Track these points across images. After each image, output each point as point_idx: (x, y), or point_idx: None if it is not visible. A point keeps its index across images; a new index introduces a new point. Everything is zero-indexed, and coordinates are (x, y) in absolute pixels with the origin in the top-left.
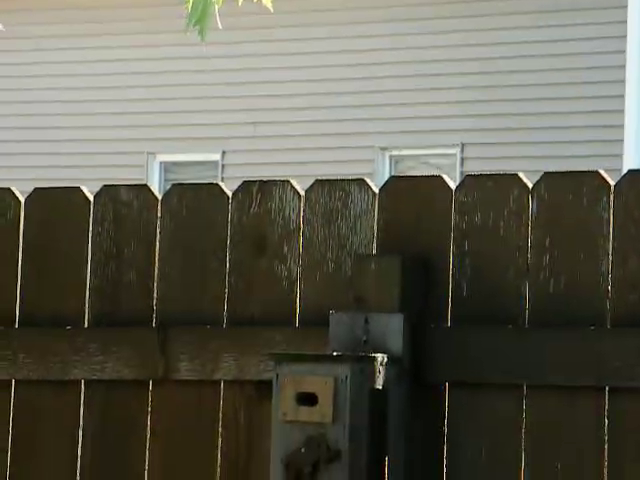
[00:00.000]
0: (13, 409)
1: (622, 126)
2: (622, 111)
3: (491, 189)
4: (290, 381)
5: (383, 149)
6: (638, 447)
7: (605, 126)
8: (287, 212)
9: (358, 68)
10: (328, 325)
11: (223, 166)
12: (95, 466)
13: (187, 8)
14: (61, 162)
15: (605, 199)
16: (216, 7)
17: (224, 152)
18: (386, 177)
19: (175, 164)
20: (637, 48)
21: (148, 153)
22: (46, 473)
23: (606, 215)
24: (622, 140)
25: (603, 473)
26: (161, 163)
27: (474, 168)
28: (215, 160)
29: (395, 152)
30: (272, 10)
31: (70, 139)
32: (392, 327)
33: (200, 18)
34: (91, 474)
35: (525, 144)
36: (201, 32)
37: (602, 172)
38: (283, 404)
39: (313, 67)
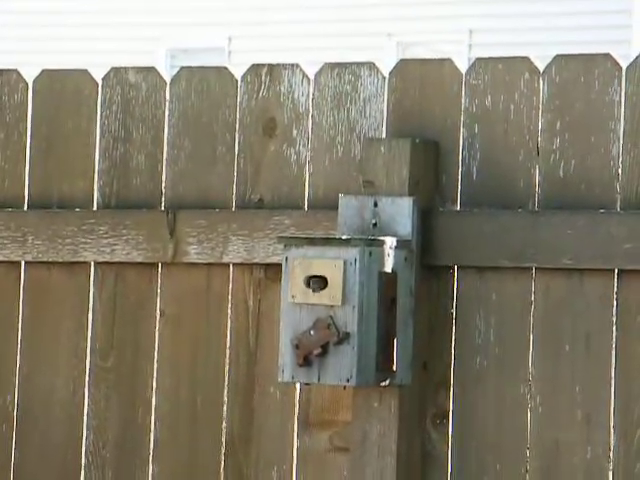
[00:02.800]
0: (23, 290)
1: (631, 11)
2: None
3: (501, 72)
4: (299, 264)
5: (390, 35)
6: None
7: (615, 11)
8: (296, 95)
9: None
10: (337, 209)
11: (230, 52)
12: (105, 345)
13: None
14: (67, 47)
15: (617, 81)
16: None
17: (230, 37)
18: (394, 64)
19: (182, 51)
20: None
21: (154, 39)
22: (59, 350)
23: (617, 98)
24: (631, 26)
25: (611, 354)
26: (167, 50)
27: (482, 54)
28: (221, 46)
29: (403, 38)
30: None
31: (77, 24)
32: (401, 210)
33: None
34: (100, 352)
35: (534, 30)
36: None
37: (614, 55)
38: (292, 287)
39: None
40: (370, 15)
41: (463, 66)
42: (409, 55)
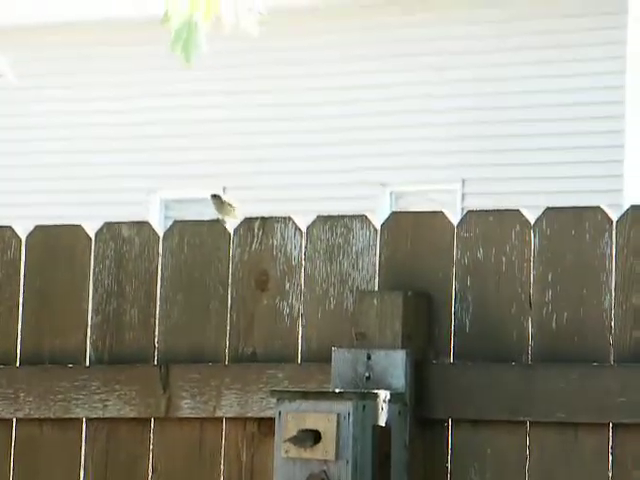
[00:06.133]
0: (14, 447)
1: (622, 161)
2: (622, 146)
3: (493, 224)
4: (293, 418)
5: (384, 185)
6: None
7: (607, 161)
8: (289, 248)
9: (357, 104)
10: (331, 361)
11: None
12: None
13: (168, 28)
14: (60, 200)
15: (607, 234)
16: (202, 34)
17: (225, 188)
18: (387, 213)
19: (176, 201)
20: (635, 82)
21: (148, 190)
22: None
23: (609, 250)
24: (622, 175)
25: None
26: (161, 200)
27: (475, 204)
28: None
29: (396, 188)
30: (256, 34)
31: (69, 177)
32: (395, 363)
33: (185, 44)
34: None
35: (527, 179)
36: (187, 58)
37: (604, 207)
38: (286, 441)
39: (313, 104)
40: (364, 164)
41: (455, 217)
42: (403, 204)
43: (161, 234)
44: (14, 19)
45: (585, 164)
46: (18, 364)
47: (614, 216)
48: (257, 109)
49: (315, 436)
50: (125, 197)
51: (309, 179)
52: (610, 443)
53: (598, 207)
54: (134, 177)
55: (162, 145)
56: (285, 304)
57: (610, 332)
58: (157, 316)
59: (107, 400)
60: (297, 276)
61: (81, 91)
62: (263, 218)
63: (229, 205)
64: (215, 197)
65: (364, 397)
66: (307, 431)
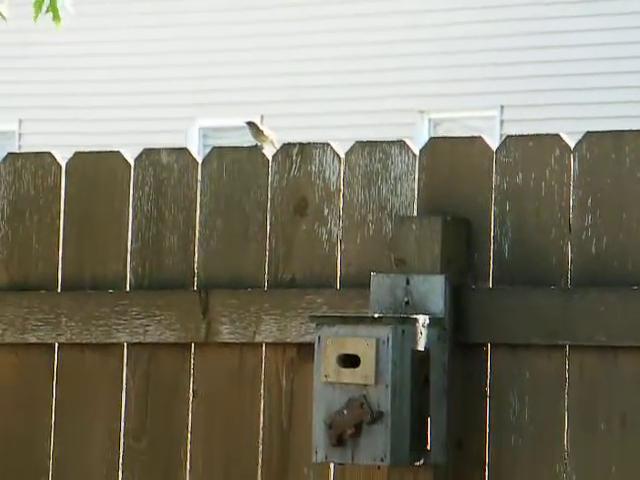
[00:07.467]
0: (56, 372)
1: None
2: None
3: (532, 149)
4: (332, 343)
5: (422, 112)
6: None
7: None
8: (327, 174)
9: (395, 31)
10: (369, 287)
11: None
12: (138, 426)
13: None
14: (100, 129)
15: None
16: None
17: (262, 116)
18: (425, 140)
19: (214, 129)
20: None
21: (187, 119)
22: (92, 432)
23: None
24: None
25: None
26: (200, 129)
27: (514, 131)
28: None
29: (434, 115)
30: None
31: (109, 105)
32: (433, 288)
33: (52, 5)
34: (134, 434)
35: (566, 105)
36: (55, 18)
37: None
38: (325, 366)
39: (350, 31)
40: (402, 92)
41: (494, 143)
42: (441, 131)
43: (200, 160)
44: None
45: (624, 89)
46: (60, 289)
47: None
48: (293, 37)
49: (355, 361)
50: (164, 125)
51: (347, 106)
52: None
53: (638, 131)
54: (173, 106)
55: (200, 73)
56: (324, 230)
57: None
58: (196, 242)
59: (148, 325)
60: (336, 202)
61: (122, 19)
62: (301, 144)
63: (264, 133)
64: (251, 124)
65: (403, 322)
66: (346, 356)
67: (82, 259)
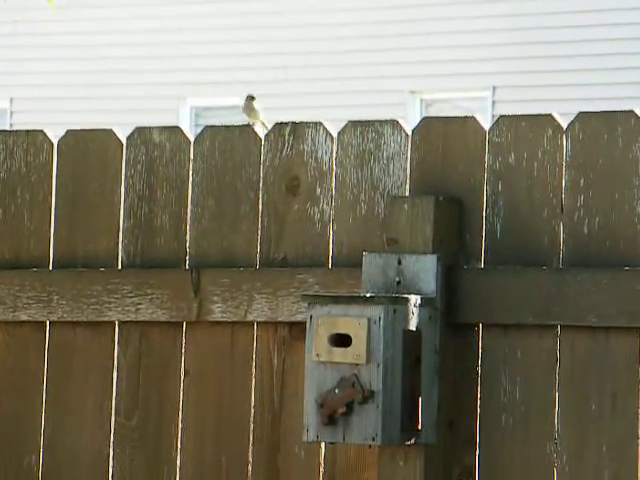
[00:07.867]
0: (48, 350)
1: None
2: None
3: (525, 129)
4: (324, 322)
5: (413, 92)
6: None
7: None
8: (320, 154)
9: (387, 10)
10: (361, 267)
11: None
12: (130, 404)
13: None
14: (92, 106)
15: None
16: None
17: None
18: (417, 121)
19: (206, 109)
20: None
21: (179, 97)
22: (84, 410)
23: None
24: None
25: (638, 413)
26: (191, 108)
27: (506, 111)
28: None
29: (426, 96)
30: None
31: (100, 84)
32: (425, 268)
33: None
34: (125, 411)
35: (559, 86)
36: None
37: (638, 111)
38: (317, 345)
39: (342, 10)
40: (393, 72)
41: (486, 123)
42: (433, 112)
43: (192, 139)
44: None
45: (618, 70)
46: (51, 268)
47: None
48: (285, 16)
49: (346, 340)
50: (156, 104)
51: (338, 86)
52: None
53: (631, 111)
54: (164, 85)
55: (192, 52)
56: (316, 209)
57: None
58: (188, 221)
59: (139, 304)
60: (328, 181)
61: None
62: (294, 123)
63: (257, 111)
64: (251, 98)
65: (395, 301)
66: (338, 335)
67: (74, 237)
